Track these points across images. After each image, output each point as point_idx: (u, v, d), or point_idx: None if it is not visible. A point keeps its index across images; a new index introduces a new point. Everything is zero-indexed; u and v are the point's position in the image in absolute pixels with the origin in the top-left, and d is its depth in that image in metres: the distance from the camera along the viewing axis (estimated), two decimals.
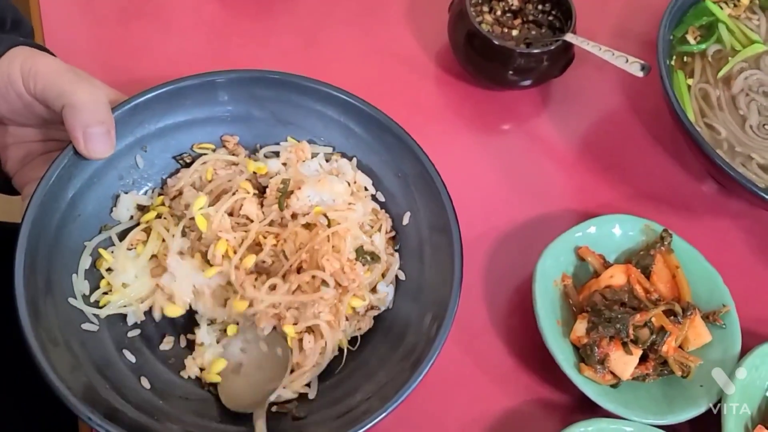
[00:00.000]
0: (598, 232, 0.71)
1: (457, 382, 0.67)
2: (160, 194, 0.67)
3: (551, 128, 0.82)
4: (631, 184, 0.79)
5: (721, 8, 0.83)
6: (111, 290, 0.62)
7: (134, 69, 0.78)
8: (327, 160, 0.70)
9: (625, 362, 0.64)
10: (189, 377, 0.62)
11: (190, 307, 0.63)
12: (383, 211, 0.69)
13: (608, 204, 0.77)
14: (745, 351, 0.66)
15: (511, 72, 0.77)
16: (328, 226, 0.63)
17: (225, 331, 0.63)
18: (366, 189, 0.69)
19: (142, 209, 0.66)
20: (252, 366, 0.61)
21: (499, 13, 0.81)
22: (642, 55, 0.74)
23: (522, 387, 0.68)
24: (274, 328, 0.61)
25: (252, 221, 0.64)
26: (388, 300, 0.66)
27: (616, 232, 0.72)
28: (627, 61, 0.74)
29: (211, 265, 0.62)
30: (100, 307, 0.61)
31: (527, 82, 0.79)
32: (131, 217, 0.65)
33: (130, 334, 0.62)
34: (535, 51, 0.76)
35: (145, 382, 0.60)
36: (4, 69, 0.57)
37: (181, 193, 0.66)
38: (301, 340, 0.62)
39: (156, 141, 0.67)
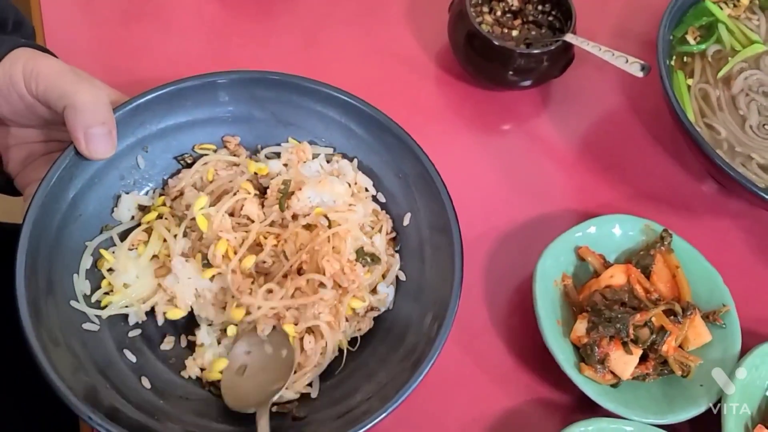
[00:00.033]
0: (598, 232, 0.71)
1: (458, 381, 0.67)
2: (161, 194, 0.67)
3: (551, 128, 0.82)
4: (631, 184, 0.79)
5: (721, 8, 0.83)
6: (112, 290, 0.62)
7: (135, 70, 0.78)
8: (328, 161, 0.70)
9: (625, 362, 0.64)
10: (189, 377, 0.62)
11: (191, 308, 0.63)
12: (384, 211, 0.69)
13: (608, 204, 0.77)
14: (745, 350, 0.66)
15: (511, 72, 0.77)
16: (329, 227, 0.63)
17: (225, 331, 0.63)
18: (367, 190, 0.70)
19: (143, 209, 0.66)
20: (256, 367, 0.61)
21: (499, 13, 0.81)
22: (642, 56, 0.74)
23: (522, 387, 0.68)
24: (274, 327, 0.61)
25: (253, 221, 0.65)
26: (388, 301, 0.66)
27: (616, 232, 0.72)
28: (627, 61, 0.74)
29: (211, 266, 0.62)
30: (102, 308, 0.61)
31: (527, 83, 0.79)
32: (132, 218, 0.66)
33: (131, 334, 0.63)
34: (535, 51, 0.76)
35: (146, 382, 0.60)
36: (6, 70, 0.57)
37: (182, 193, 0.66)
38: (301, 341, 0.62)
39: (157, 141, 0.67)
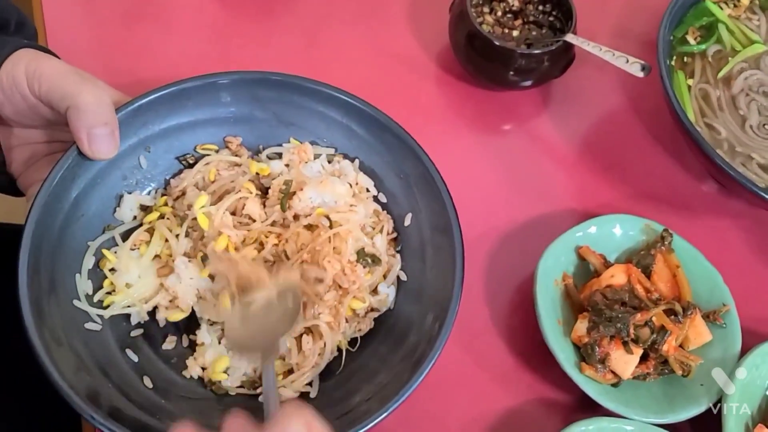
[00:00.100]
0: (598, 232, 0.71)
1: (459, 381, 0.67)
2: (163, 195, 0.67)
3: (552, 128, 0.82)
4: (632, 184, 0.79)
5: (721, 8, 0.83)
6: (114, 290, 0.62)
7: (136, 70, 0.78)
8: (329, 162, 0.70)
9: (625, 361, 0.65)
10: (191, 377, 0.62)
11: (192, 309, 0.63)
12: (385, 212, 0.69)
13: (609, 204, 0.77)
14: (745, 350, 0.66)
15: (511, 72, 0.77)
16: (330, 227, 0.63)
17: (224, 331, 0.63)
18: (368, 190, 0.70)
19: (146, 209, 0.66)
20: (260, 314, 0.59)
21: (499, 13, 0.81)
22: (642, 56, 0.74)
23: (523, 386, 0.68)
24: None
25: (254, 221, 0.65)
26: (389, 301, 0.66)
27: (616, 232, 0.72)
28: (627, 61, 0.74)
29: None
30: (104, 308, 0.61)
31: (528, 83, 0.80)
32: (134, 218, 0.66)
33: (133, 333, 0.63)
34: (536, 52, 0.76)
35: (148, 382, 0.60)
36: (9, 71, 0.57)
37: (184, 193, 0.66)
38: (300, 340, 0.62)
39: (159, 142, 0.67)
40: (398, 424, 0.62)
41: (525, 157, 0.80)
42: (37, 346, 0.53)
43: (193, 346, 0.64)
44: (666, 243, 0.70)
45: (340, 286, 0.63)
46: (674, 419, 0.63)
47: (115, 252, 0.63)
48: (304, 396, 0.62)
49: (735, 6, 0.85)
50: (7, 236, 0.60)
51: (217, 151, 0.69)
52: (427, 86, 0.83)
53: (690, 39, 0.82)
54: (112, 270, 0.63)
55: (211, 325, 0.63)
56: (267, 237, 0.64)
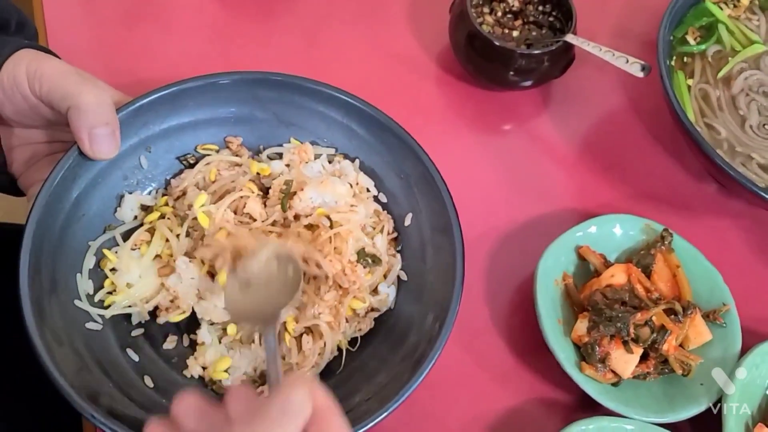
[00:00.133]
0: (598, 232, 0.71)
1: (459, 381, 0.67)
2: (163, 194, 0.68)
3: (552, 128, 0.82)
4: (632, 184, 0.80)
5: (721, 9, 0.83)
6: (115, 290, 0.62)
7: (137, 71, 0.78)
8: (330, 162, 0.70)
9: (625, 361, 0.65)
10: (192, 376, 0.62)
11: (193, 308, 0.63)
12: (385, 212, 0.69)
13: (609, 204, 0.77)
14: (745, 349, 0.67)
15: (511, 73, 0.77)
16: (331, 227, 0.63)
17: (226, 330, 0.63)
18: (368, 190, 0.70)
19: (146, 209, 0.66)
20: (261, 284, 0.59)
21: (499, 14, 0.81)
22: (642, 56, 0.74)
23: (523, 386, 0.68)
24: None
25: (255, 220, 0.65)
26: (389, 301, 0.66)
27: (616, 232, 0.72)
28: (627, 61, 0.74)
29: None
30: (105, 307, 0.61)
31: (528, 83, 0.80)
32: (135, 218, 0.66)
33: (134, 333, 0.63)
34: (536, 52, 0.77)
35: (149, 381, 0.60)
36: (9, 71, 0.57)
37: (184, 193, 0.66)
38: (300, 340, 0.62)
39: (160, 142, 0.67)
40: (399, 424, 0.62)
41: (525, 157, 0.80)
42: (38, 345, 0.53)
43: (193, 345, 0.64)
44: (666, 243, 0.71)
45: (340, 286, 0.63)
46: (674, 418, 0.63)
47: (116, 252, 0.63)
48: None
49: (735, 6, 0.85)
50: (8, 236, 0.60)
51: (217, 151, 0.69)
52: (428, 86, 0.83)
53: (690, 39, 0.82)
54: (112, 270, 0.63)
55: (211, 324, 0.63)
56: (268, 236, 0.64)
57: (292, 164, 0.68)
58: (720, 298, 0.69)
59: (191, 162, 0.69)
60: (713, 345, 0.67)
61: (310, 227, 0.64)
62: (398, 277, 0.67)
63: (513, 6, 0.82)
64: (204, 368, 0.62)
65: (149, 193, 0.68)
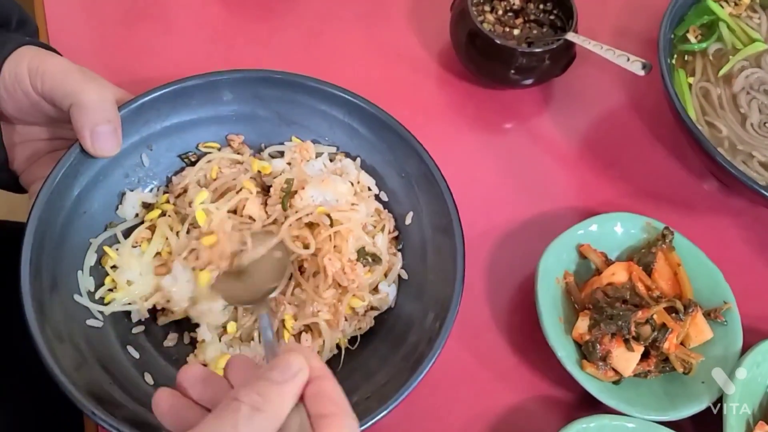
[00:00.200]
0: (599, 230, 0.71)
1: (460, 379, 0.67)
2: (165, 192, 0.68)
3: (553, 127, 0.82)
4: (633, 182, 0.80)
5: (722, 7, 0.83)
6: (116, 287, 0.62)
7: (138, 69, 0.78)
8: (331, 160, 0.70)
9: (626, 359, 0.65)
10: None
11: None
12: (386, 210, 0.70)
13: (610, 202, 0.77)
14: (746, 347, 0.66)
15: (512, 71, 0.77)
16: (331, 226, 0.63)
17: (225, 328, 0.63)
18: (369, 189, 0.70)
19: (148, 207, 0.66)
20: (250, 268, 0.60)
21: (500, 12, 0.81)
22: (643, 54, 0.74)
23: (524, 384, 0.68)
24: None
25: (254, 221, 0.65)
26: (390, 300, 0.66)
27: (617, 230, 0.72)
28: (628, 59, 0.74)
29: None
30: (105, 304, 0.61)
31: (529, 81, 0.80)
32: (136, 215, 0.66)
33: (134, 330, 0.63)
34: (537, 50, 0.77)
35: (149, 378, 0.60)
36: (11, 68, 0.57)
37: (185, 190, 0.66)
38: (299, 338, 0.62)
39: (161, 140, 0.67)
40: (400, 422, 0.62)
41: (526, 155, 0.80)
42: (39, 342, 0.54)
43: (194, 343, 0.64)
44: (667, 241, 0.71)
45: (339, 285, 0.63)
46: (675, 416, 0.63)
47: (117, 249, 0.63)
48: None
49: (736, 4, 0.85)
50: (10, 233, 0.61)
51: (219, 149, 0.69)
52: (428, 85, 0.83)
53: (691, 37, 0.82)
54: (113, 267, 0.63)
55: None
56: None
57: (294, 162, 0.68)
58: (721, 296, 0.69)
59: (193, 160, 0.69)
60: (714, 343, 0.67)
61: (310, 226, 0.64)
62: (399, 275, 0.67)
63: (514, 4, 0.82)
64: (204, 365, 0.62)
65: (150, 190, 0.68)
